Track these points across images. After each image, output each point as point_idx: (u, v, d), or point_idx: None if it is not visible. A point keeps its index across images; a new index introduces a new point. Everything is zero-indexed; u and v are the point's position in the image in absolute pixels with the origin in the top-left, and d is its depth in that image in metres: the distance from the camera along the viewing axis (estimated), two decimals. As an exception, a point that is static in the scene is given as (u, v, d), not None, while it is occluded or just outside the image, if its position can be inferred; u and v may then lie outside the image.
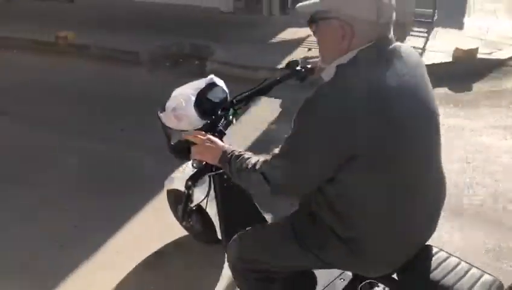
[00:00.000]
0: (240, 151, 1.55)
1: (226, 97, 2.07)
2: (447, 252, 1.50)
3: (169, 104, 2.02)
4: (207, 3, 7.58)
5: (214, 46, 5.86)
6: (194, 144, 1.67)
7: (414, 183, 1.36)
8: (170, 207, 2.63)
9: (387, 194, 1.33)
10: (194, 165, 1.89)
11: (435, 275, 1.39)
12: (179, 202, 2.37)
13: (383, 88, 1.25)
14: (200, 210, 2.20)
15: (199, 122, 1.95)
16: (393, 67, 1.29)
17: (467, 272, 1.40)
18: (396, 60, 1.30)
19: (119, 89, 4.97)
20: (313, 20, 1.38)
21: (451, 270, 1.41)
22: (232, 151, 1.56)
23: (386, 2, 1.29)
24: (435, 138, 1.43)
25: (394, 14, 1.33)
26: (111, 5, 8.13)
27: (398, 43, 1.35)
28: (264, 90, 2.06)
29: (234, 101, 2.00)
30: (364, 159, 1.25)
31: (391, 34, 1.34)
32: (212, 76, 2.13)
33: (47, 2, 8.49)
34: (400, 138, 1.28)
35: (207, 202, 2.04)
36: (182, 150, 1.91)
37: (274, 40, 6.21)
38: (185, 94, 2.02)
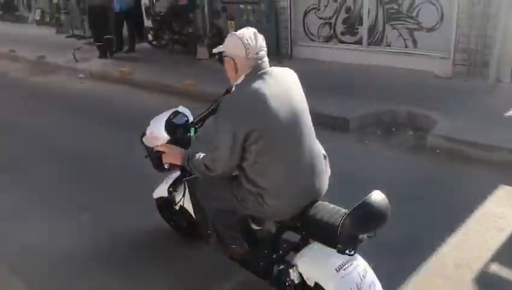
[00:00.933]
0: (195, 152, 2.40)
1: (188, 120, 2.85)
2: (331, 204, 2.26)
3: (148, 130, 2.85)
4: (421, 66, 6.89)
5: (433, 115, 5.13)
6: (164, 153, 2.63)
7: (291, 156, 2.21)
8: (159, 212, 3.26)
9: (274, 165, 2.18)
10: (166, 167, 2.74)
11: (320, 216, 2.18)
12: (165, 206, 3.15)
13: (256, 94, 2.13)
14: (183, 211, 2.94)
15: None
16: (265, 81, 2.17)
17: (338, 212, 2.17)
18: (268, 77, 2.20)
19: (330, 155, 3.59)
20: (219, 57, 2.32)
21: (330, 212, 2.18)
22: (188, 153, 2.48)
23: (252, 45, 2.19)
24: (303, 125, 2.25)
25: (263, 51, 2.23)
26: (320, 68, 7.71)
27: (271, 68, 2.26)
28: (214, 112, 2.66)
29: (193, 122, 2.81)
30: (253, 141, 2.11)
31: (264, 62, 2.23)
32: (180, 106, 2.94)
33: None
34: (273, 125, 2.13)
35: (183, 201, 2.82)
36: (160, 163, 2.73)
37: (509, 113, 5.12)
38: (157, 120, 2.83)
